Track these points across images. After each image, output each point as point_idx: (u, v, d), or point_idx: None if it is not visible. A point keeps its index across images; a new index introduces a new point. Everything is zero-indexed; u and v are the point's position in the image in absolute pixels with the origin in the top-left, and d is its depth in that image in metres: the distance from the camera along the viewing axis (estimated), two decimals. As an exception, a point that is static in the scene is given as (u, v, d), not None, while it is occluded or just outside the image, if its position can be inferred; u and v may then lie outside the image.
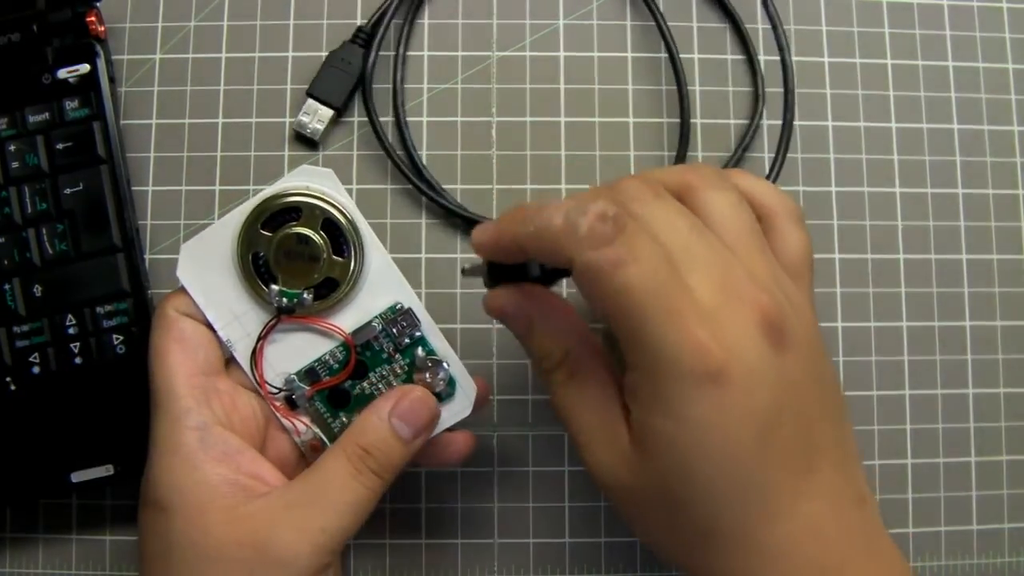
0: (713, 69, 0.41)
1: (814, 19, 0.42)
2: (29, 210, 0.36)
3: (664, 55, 0.40)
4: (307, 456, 0.32)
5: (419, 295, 0.36)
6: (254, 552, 0.27)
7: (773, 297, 0.25)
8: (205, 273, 0.30)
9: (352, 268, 0.30)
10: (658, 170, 0.28)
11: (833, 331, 0.40)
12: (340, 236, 0.30)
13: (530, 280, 0.28)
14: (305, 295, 0.30)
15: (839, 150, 0.41)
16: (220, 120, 0.40)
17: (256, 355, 0.30)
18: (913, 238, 0.41)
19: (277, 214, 0.30)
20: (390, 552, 0.38)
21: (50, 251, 0.36)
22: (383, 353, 0.31)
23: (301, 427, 0.31)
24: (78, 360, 0.36)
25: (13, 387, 0.36)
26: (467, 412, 0.31)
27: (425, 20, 0.41)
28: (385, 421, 0.29)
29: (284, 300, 0.30)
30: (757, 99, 0.40)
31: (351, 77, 0.40)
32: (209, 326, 0.31)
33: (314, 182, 0.30)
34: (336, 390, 0.31)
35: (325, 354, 0.31)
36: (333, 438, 0.31)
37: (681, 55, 0.39)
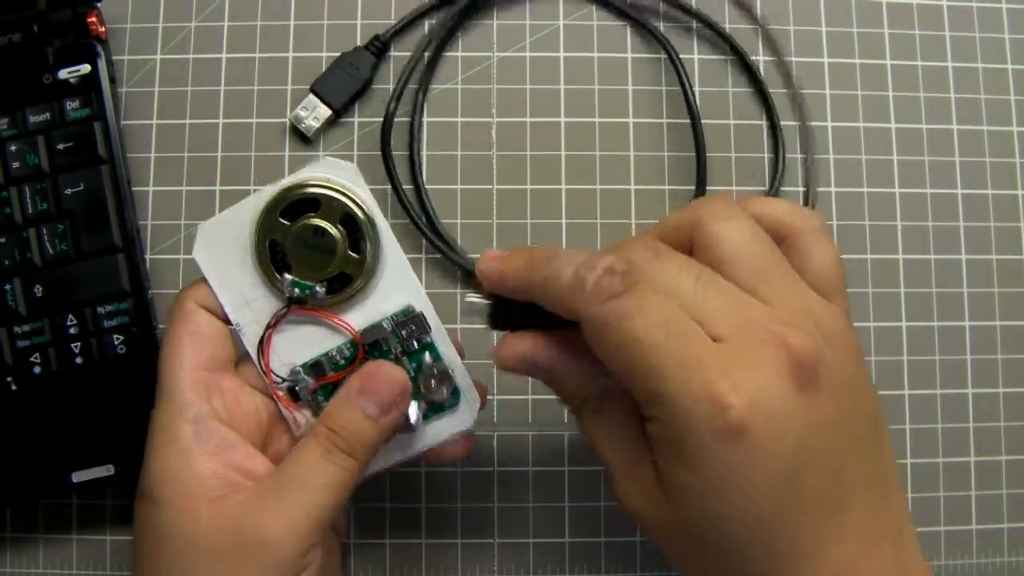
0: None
1: (814, 19, 0.42)
2: (30, 210, 0.36)
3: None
4: None
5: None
6: (234, 538, 0.27)
7: (801, 335, 0.23)
8: (220, 255, 0.30)
9: (367, 265, 0.30)
10: (667, 217, 0.28)
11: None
12: (358, 232, 0.30)
13: (538, 327, 0.27)
14: (317, 288, 0.30)
15: (839, 151, 0.41)
16: (220, 120, 0.40)
17: (264, 343, 0.30)
18: (913, 238, 0.41)
19: (297, 203, 0.30)
20: (390, 552, 0.38)
21: (51, 251, 0.36)
22: (390, 355, 0.31)
23: (300, 419, 0.31)
24: (79, 360, 0.36)
25: (14, 387, 0.36)
26: (468, 424, 0.31)
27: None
28: (352, 400, 0.29)
29: (296, 290, 0.30)
30: (775, 131, 0.40)
31: (356, 82, 0.40)
32: (226, 318, 0.31)
33: (337, 175, 0.30)
34: (340, 386, 0.31)
35: (332, 349, 0.31)
36: None
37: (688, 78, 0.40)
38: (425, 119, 0.40)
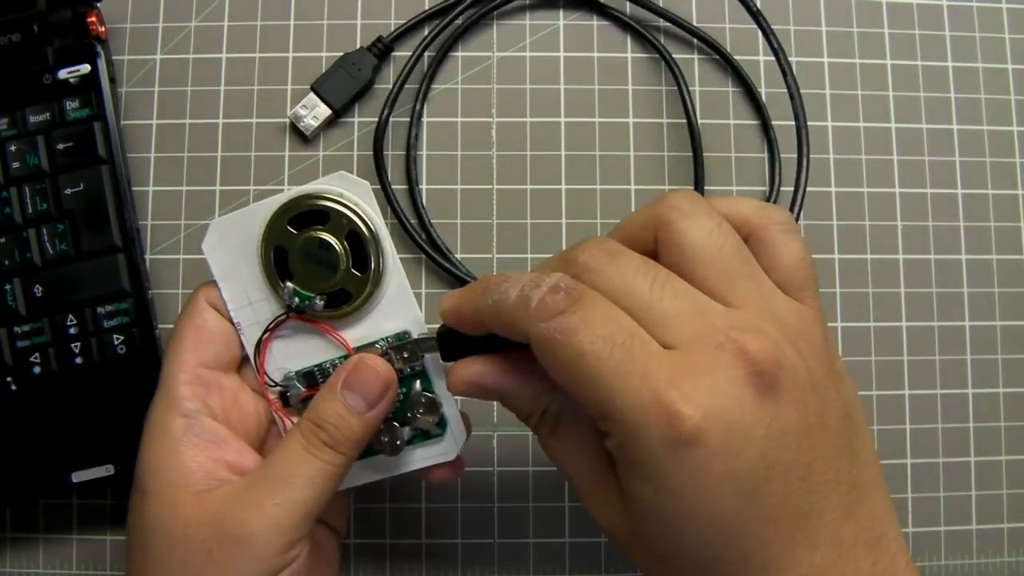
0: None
1: (814, 19, 0.42)
2: (30, 210, 0.36)
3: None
4: None
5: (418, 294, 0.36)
6: (214, 531, 0.27)
7: (759, 340, 0.23)
8: (228, 253, 0.30)
9: (367, 287, 0.30)
10: (632, 214, 0.27)
11: (833, 331, 0.40)
12: (363, 251, 0.30)
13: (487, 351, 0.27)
14: (317, 300, 0.30)
15: (839, 150, 0.41)
16: (220, 120, 0.40)
17: (261, 345, 0.31)
18: (913, 238, 0.41)
19: (307, 214, 0.30)
20: (390, 552, 0.38)
21: (51, 251, 0.36)
22: None
23: (290, 425, 0.31)
24: (79, 360, 0.36)
25: (14, 387, 0.36)
26: (451, 456, 0.31)
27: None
28: (336, 394, 0.29)
29: (296, 300, 0.30)
30: (774, 163, 0.40)
31: (358, 83, 0.40)
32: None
33: (349, 190, 0.30)
34: None
35: (327, 362, 0.31)
36: None
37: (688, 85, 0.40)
38: (425, 119, 0.41)
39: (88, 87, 0.37)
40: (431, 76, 0.40)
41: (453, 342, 0.28)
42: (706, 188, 0.40)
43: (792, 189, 0.39)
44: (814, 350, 0.24)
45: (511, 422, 0.39)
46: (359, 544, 0.38)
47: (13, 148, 0.37)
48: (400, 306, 0.30)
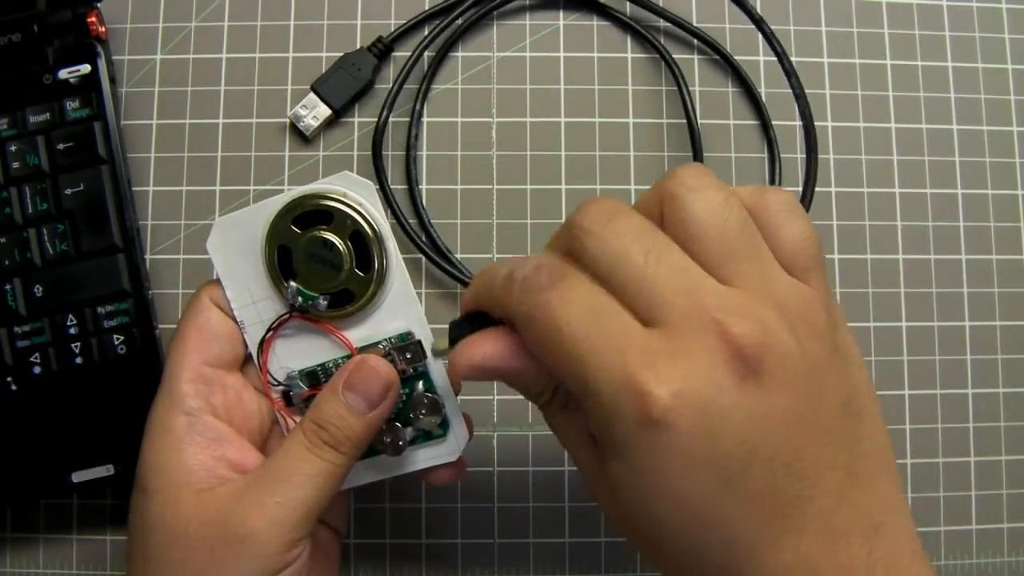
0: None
1: (814, 19, 0.42)
2: (30, 210, 0.36)
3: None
4: None
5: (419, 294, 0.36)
6: (215, 530, 0.27)
7: (745, 324, 0.22)
8: (232, 252, 0.30)
9: (371, 287, 0.30)
10: (645, 193, 0.26)
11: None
12: (366, 251, 0.30)
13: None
14: (320, 300, 0.30)
15: (839, 151, 0.41)
16: (220, 120, 0.40)
17: (264, 344, 0.31)
18: (912, 238, 0.41)
19: (310, 213, 0.30)
20: (390, 552, 0.38)
21: (51, 251, 0.36)
22: None
23: (291, 424, 0.31)
24: (79, 360, 0.36)
25: (14, 387, 0.36)
26: (453, 457, 0.31)
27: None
28: (338, 395, 0.29)
29: (300, 299, 0.30)
30: (774, 162, 0.40)
31: (358, 83, 0.40)
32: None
33: (353, 190, 0.30)
34: None
35: (329, 361, 0.31)
36: None
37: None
38: (425, 119, 0.41)
39: (88, 87, 0.37)
40: (431, 76, 0.40)
41: (461, 334, 0.27)
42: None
43: (791, 189, 0.39)
44: (814, 333, 0.23)
45: (511, 422, 0.39)
46: (359, 544, 0.38)
47: (13, 148, 0.37)
48: (403, 307, 0.30)
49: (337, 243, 0.29)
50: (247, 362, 0.31)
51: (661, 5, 0.41)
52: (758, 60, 0.41)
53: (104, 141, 0.37)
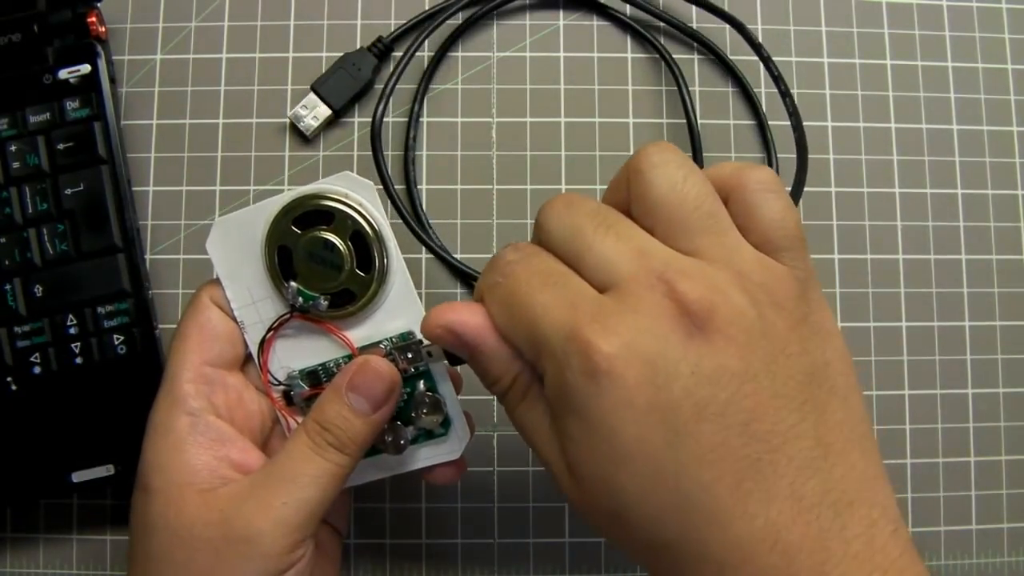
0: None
1: (814, 19, 0.42)
2: (30, 210, 0.36)
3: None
4: None
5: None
6: (219, 531, 0.27)
7: (691, 283, 0.22)
8: (232, 252, 0.30)
9: (371, 287, 0.30)
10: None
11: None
12: (367, 251, 0.30)
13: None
14: (321, 300, 0.30)
15: (839, 151, 0.41)
16: (220, 120, 0.40)
17: (264, 344, 0.31)
18: (912, 238, 0.41)
19: (311, 213, 0.30)
20: (390, 552, 0.38)
21: (51, 251, 0.36)
22: None
23: (294, 424, 0.31)
24: (79, 360, 0.36)
25: (14, 387, 0.36)
26: (455, 456, 0.31)
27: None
28: (341, 396, 0.29)
29: (300, 299, 0.30)
30: (771, 162, 0.40)
31: (358, 83, 0.40)
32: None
33: (354, 191, 0.30)
34: None
35: (330, 361, 0.31)
36: None
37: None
38: (425, 119, 0.41)
39: (88, 87, 0.37)
40: (430, 76, 0.40)
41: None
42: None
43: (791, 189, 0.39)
44: (776, 303, 0.23)
45: (511, 422, 0.39)
46: (359, 544, 0.38)
47: (13, 148, 0.37)
48: (404, 306, 0.30)
49: (338, 243, 0.29)
50: (247, 362, 0.31)
51: (661, 6, 0.41)
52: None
53: (104, 141, 0.37)
